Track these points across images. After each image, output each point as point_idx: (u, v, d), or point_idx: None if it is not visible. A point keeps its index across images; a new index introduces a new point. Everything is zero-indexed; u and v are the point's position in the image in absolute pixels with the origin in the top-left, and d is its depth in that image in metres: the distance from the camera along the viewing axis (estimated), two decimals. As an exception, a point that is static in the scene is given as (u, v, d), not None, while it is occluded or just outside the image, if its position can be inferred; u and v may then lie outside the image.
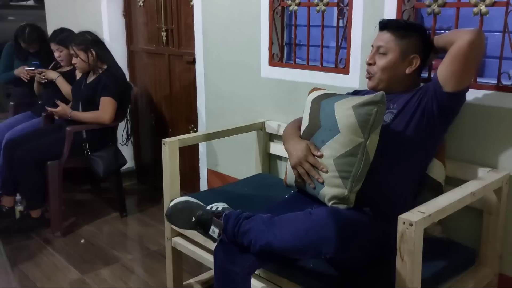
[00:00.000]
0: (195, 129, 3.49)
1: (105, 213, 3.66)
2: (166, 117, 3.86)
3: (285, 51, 2.75)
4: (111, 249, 3.12)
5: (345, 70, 2.40)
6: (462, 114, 1.92)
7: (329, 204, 1.75)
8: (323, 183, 1.77)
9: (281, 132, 2.65)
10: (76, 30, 3.55)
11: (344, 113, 1.73)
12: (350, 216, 1.66)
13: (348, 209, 1.72)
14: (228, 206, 1.91)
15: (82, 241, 3.25)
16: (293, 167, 1.87)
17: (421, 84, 1.97)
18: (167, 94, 3.79)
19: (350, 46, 2.36)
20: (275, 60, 2.73)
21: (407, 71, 1.90)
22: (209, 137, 2.62)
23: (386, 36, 1.89)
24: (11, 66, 4.12)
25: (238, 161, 3.06)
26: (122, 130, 3.70)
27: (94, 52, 3.31)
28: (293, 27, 2.62)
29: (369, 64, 1.94)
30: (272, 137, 2.81)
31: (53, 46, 3.70)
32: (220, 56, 3.06)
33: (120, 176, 3.59)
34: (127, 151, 4.09)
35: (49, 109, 3.36)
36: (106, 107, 3.26)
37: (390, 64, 1.88)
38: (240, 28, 2.87)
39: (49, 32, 4.19)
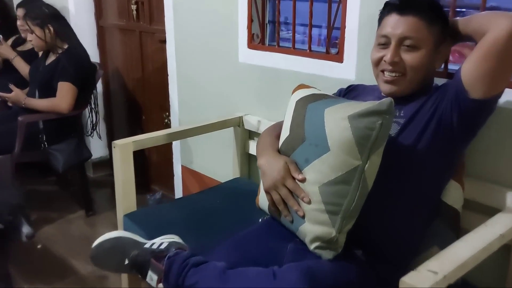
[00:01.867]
0: (170, 118, 3.03)
1: (70, 210, 3.25)
2: (140, 103, 3.41)
3: (267, 31, 2.28)
4: (70, 258, 2.72)
5: (338, 57, 1.94)
6: (488, 121, 1.46)
7: (311, 247, 1.32)
8: (303, 217, 1.33)
9: (261, 130, 2.21)
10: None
11: (337, 125, 1.29)
12: (332, 277, 1.22)
13: (334, 256, 1.28)
14: (177, 240, 1.48)
15: (39, 246, 2.83)
16: (266, 191, 1.43)
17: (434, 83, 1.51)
18: (140, 77, 3.33)
19: (344, 26, 1.89)
20: (255, 41, 2.26)
21: (437, 65, 1.47)
22: (173, 137, 2.17)
23: (413, 22, 1.38)
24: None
25: (214, 160, 2.62)
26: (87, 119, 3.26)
27: (51, 28, 2.86)
28: (276, 1, 2.14)
29: (393, 63, 1.42)
30: (251, 134, 2.36)
31: (18, 14, 3.23)
32: (192, 35, 2.59)
33: (84, 171, 3.16)
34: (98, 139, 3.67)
35: (1, 94, 2.92)
36: (64, 93, 2.82)
37: (426, 60, 1.40)
38: (214, 1, 2.39)
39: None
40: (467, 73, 1.32)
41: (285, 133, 1.48)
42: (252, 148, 2.34)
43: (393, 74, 1.43)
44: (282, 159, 1.41)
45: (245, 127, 2.33)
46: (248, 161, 2.41)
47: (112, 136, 3.79)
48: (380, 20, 1.49)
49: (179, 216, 1.94)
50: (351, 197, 1.28)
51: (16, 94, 2.87)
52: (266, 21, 2.26)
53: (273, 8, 2.24)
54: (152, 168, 3.45)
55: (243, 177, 2.37)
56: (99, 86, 3.63)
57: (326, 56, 1.99)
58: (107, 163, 3.88)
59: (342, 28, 1.90)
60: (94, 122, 3.21)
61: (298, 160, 1.39)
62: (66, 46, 2.92)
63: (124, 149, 1.92)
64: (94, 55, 3.55)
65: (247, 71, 2.31)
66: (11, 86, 2.88)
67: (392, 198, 1.38)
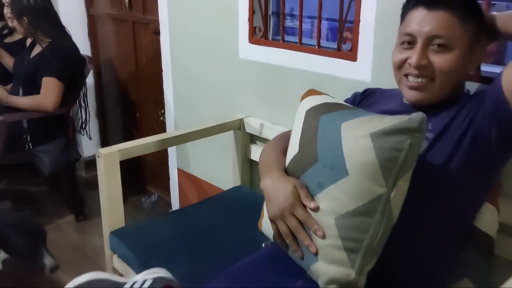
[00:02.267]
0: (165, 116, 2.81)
1: (59, 214, 3.03)
2: (133, 99, 3.18)
3: (270, 23, 2.04)
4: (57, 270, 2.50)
5: (351, 55, 1.70)
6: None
7: None
8: (316, 254, 1.11)
9: (264, 133, 1.99)
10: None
11: (357, 144, 1.06)
12: None
13: None
14: (163, 275, 1.25)
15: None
16: (272, 220, 1.21)
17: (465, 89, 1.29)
18: (133, 71, 3.09)
19: (359, 20, 1.65)
20: (257, 36, 2.02)
21: (471, 68, 1.24)
22: (165, 143, 1.94)
23: (444, 17, 1.15)
24: None
25: (213, 165, 2.40)
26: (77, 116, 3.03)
27: (26, 20, 2.63)
28: (281, -9, 1.90)
29: (420, 67, 1.18)
30: (253, 138, 2.14)
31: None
32: (189, 28, 2.35)
33: (73, 173, 2.94)
34: (93, 136, 3.45)
35: None
36: (49, 90, 2.59)
37: (458, 63, 1.17)
38: (212, -10, 2.16)
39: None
40: (510, 81, 1.09)
41: (293, 149, 1.25)
42: (254, 154, 2.11)
43: (420, 80, 1.19)
44: (291, 182, 1.17)
45: (246, 131, 2.10)
46: (250, 167, 2.19)
47: (105, 133, 3.58)
48: (404, 15, 1.25)
49: (171, 234, 1.73)
50: (374, 232, 1.05)
51: None
52: (270, 12, 2.02)
53: (277, -3, 2.00)
54: (147, 168, 3.23)
55: (245, 185, 2.15)
56: (90, 80, 3.41)
57: (337, 53, 1.75)
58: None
59: (356, 21, 1.67)
60: (83, 120, 2.98)
61: (309, 184, 1.15)
62: (49, 40, 2.69)
63: (109, 159, 1.70)
64: (84, 46, 3.32)
65: (249, 68, 2.08)
66: None
67: (419, 227, 1.16)
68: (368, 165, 1.04)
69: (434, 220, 1.17)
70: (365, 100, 1.43)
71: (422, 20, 1.17)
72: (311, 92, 1.36)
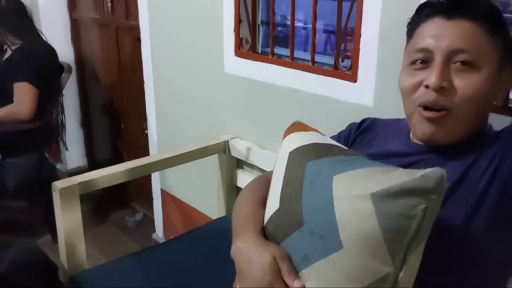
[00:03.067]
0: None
1: (36, 233, 2.79)
2: (118, 109, 2.94)
3: (259, 34, 1.79)
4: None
5: (350, 75, 1.45)
6: None
7: None
8: None
9: (251, 159, 1.75)
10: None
11: (353, 207, 0.80)
12: None
13: None
14: None
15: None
16: None
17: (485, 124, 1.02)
18: (117, 79, 2.86)
19: (360, 34, 1.39)
20: (244, 48, 1.77)
21: (497, 99, 0.98)
22: (136, 172, 1.69)
23: (469, 28, 0.91)
24: None
25: (197, 189, 2.16)
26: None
27: None
28: (271, -2, 1.65)
29: (441, 90, 0.91)
30: (240, 162, 1.89)
31: None
32: (171, 36, 2.10)
33: (47, 193, 2.69)
34: (78, 147, 3.22)
35: None
36: (22, 96, 2.37)
37: (487, 87, 0.91)
38: (195, -4, 1.91)
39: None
40: None
41: (273, 203, 0.98)
42: (241, 180, 1.87)
43: (439, 109, 0.92)
44: (269, 251, 0.90)
45: (232, 154, 1.86)
46: (236, 194, 1.94)
47: (90, 144, 3.34)
48: (412, 30, 0.99)
49: (138, 280, 1.49)
50: None
51: None
52: (259, 21, 1.77)
53: (267, 5, 1.75)
54: (133, 183, 2.98)
55: (229, 216, 1.90)
56: (74, 87, 3.18)
57: (335, 72, 1.50)
58: (85, 174, 3.44)
59: (356, 35, 1.41)
60: (60, 129, 2.74)
61: (293, 254, 0.88)
62: (19, 43, 2.46)
63: (67, 194, 1.46)
64: (68, 52, 3.08)
65: (235, 84, 1.83)
66: None
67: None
68: (369, 237, 0.79)
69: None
70: (363, 135, 1.16)
71: (440, 32, 0.92)
72: (296, 127, 1.09)
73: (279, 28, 1.77)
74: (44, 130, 2.63)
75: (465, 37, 0.90)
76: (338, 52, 1.49)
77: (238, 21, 1.74)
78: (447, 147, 0.96)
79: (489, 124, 1.03)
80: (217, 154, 1.88)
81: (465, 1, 0.92)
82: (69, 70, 2.72)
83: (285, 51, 1.73)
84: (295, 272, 0.87)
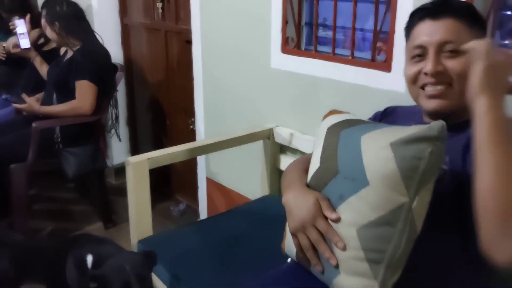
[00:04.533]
0: (196, 124, 2.81)
1: (88, 221, 3.04)
2: (164, 107, 3.19)
3: (303, 33, 2.02)
4: None
5: (385, 66, 1.67)
6: None
7: None
8: (337, 266, 1.08)
9: (294, 144, 1.97)
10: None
11: (377, 154, 1.04)
12: None
13: None
14: None
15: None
16: (293, 234, 1.18)
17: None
18: (164, 79, 3.11)
19: (394, 30, 1.62)
20: (290, 46, 2.00)
21: None
22: (194, 152, 1.93)
23: (452, 24, 1.16)
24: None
25: (242, 175, 2.38)
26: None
27: (58, 25, 2.70)
28: (314, 1, 1.88)
29: (436, 74, 1.16)
30: (283, 148, 2.11)
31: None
32: (221, 37, 2.35)
33: (103, 181, 2.96)
34: (123, 144, 3.47)
35: (15, 105, 2.78)
36: (83, 92, 2.61)
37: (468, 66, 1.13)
38: (245, 0, 2.14)
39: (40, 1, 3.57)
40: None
41: (314, 165, 1.22)
42: (284, 164, 2.09)
43: (438, 87, 1.17)
44: (312, 195, 1.15)
45: (276, 140, 2.08)
46: (279, 177, 2.16)
47: (135, 141, 3.60)
48: (409, 30, 1.24)
49: (198, 245, 1.71)
50: (396, 242, 1.02)
51: (29, 105, 2.67)
52: (303, 23, 2.00)
53: (310, 8, 1.98)
54: (175, 177, 3.24)
55: (273, 195, 2.12)
56: (122, 87, 3.44)
57: (372, 64, 1.72)
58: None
59: (390, 32, 1.63)
60: (113, 121, 3.00)
61: (331, 196, 1.13)
62: (79, 44, 2.75)
63: (138, 168, 1.70)
64: (118, 54, 3.36)
65: (280, 78, 2.06)
66: (24, 96, 2.70)
67: (444, 244, 1.11)
68: (389, 175, 1.02)
69: (463, 232, 1.11)
70: (386, 119, 1.41)
71: (431, 31, 1.17)
72: (333, 112, 1.34)
73: (321, 28, 1.99)
74: (100, 124, 2.90)
75: (450, 32, 1.15)
76: (375, 46, 1.71)
77: (285, 22, 1.97)
78: (451, 125, 1.16)
79: None
80: (262, 141, 2.11)
81: (447, 4, 1.18)
82: (122, 69, 2.98)
83: (325, 49, 1.95)
84: (333, 208, 1.10)
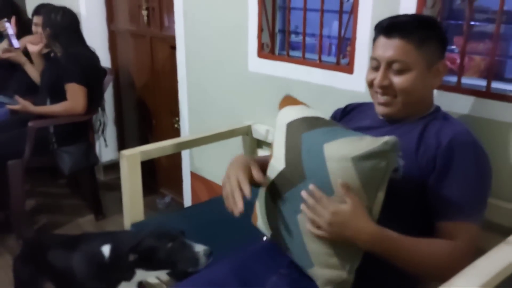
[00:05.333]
0: (180, 123, 3.03)
1: (80, 213, 3.25)
2: (150, 108, 3.41)
3: (277, 40, 2.26)
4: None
5: (348, 69, 1.92)
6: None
7: None
8: (284, 240, 1.32)
9: (270, 139, 2.20)
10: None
11: (340, 166, 1.20)
12: None
13: None
14: None
15: (48, 251, 2.84)
16: (223, 185, 1.42)
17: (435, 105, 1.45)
18: (150, 82, 3.33)
19: (355, 38, 1.87)
20: (265, 51, 2.24)
21: (434, 84, 1.39)
22: (181, 146, 2.16)
23: (400, 45, 1.31)
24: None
25: (223, 168, 2.57)
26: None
27: (48, 31, 2.90)
28: (286, 11, 2.12)
29: (382, 87, 1.37)
30: (260, 143, 2.35)
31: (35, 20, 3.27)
32: (203, 43, 2.58)
33: (94, 175, 3.16)
34: (111, 143, 3.68)
35: (9, 107, 2.95)
36: (74, 94, 2.81)
37: (417, 82, 1.33)
38: (225, 9, 2.39)
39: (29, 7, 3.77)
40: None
41: (279, 163, 1.36)
42: (261, 157, 2.32)
43: (385, 97, 1.38)
44: (246, 159, 1.41)
45: (254, 136, 2.31)
46: (257, 170, 2.40)
47: (122, 140, 3.81)
48: (374, 41, 1.43)
49: (185, 227, 1.93)
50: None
51: (24, 106, 2.84)
52: (276, 30, 2.24)
53: (283, 17, 2.22)
54: (161, 171, 3.46)
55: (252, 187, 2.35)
56: (110, 89, 3.65)
57: (336, 67, 1.97)
58: (117, 167, 3.86)
59: (352, 39, 1.88)
60: (103, 125, 3.20)
61: (298, 201, 1.27)
62: (64, 49, 2.91)
63: (131, 160, 1.92)
64: (105, 59, 3.56)
65: (257, 80, 2.30)
66: (17, 98, 2.87)
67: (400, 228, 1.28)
68: (351, 185, 1.18)
69: (414, 217, 1.33)
70: (346, 117, 1.63)
71: (383, 47, 1.34)
72: (288, 100, 1.48)
73: (293, 35, 2.24)
74: (91, 123, 3.11)
75: (398, 52, 1.31)
76: (339, 51, 1.96)
77: (260, 29, 2.21)
78: (400, 120, 1.40)
79: (437, 106, 1.45)
80: (241, 136, 2.34)
81: (396, 25, 1.33)
82: (111, 72, 3.19)
83: (297, 54, 2.20)
84: (261, 174, 1.35)
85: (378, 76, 1.36)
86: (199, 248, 1.54)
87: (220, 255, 1.66)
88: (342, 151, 1.20)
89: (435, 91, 1.48)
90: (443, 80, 1.49)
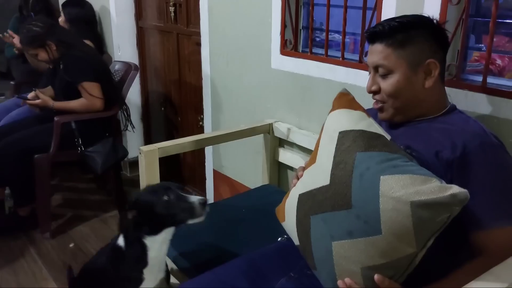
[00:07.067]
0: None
1: (104, 209, 3.28)
2: (176, 104, 3.42)
3: (300, 37, 2.22)
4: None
5: (371, 67, 1.86)
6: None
7: None
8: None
9: (291, 137, 2.17)
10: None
11: (395, 208, 1.06)
12: None
13: None
14: None
15: (71, 245, 2.87)
16: None
17: (449, 105, 1.37)
18: (176, 79, 3.33)
19: (379, 35, 1.80)
20: (288, 48, 2.20)
21: (426, 84, 1.31)
22: (199, 143, 2.14)
23: (380, 49, 1.31)
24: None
25: (245, 166, 2.59)
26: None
27: (53, 44, 2.82)
28: (310, 7, 2.08)
29: (374, 92, 1.37)
30: (281, 142, 2.31)
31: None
32: (227, 40, 2.56)
33: (118, 169, 3.19)
34: (138, 139, 3.70)
35: (28, 102, 2.97)
36: (90, 92, 2.81)
37: (401, 85, 1.31)
38: (248, 5, 2.36)
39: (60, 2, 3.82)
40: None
41: (322, 176, 1.23)
42: (282, 156, 2.29)
43: (379, 103, 1.38)
44: None
45: (275, 135, 2.28)
46: (278, 168, 2.36)
47: (149, 136, 3.83)
48: None
49: (204, 225, 1.91)
50: (395, 278, 1.13)
51: (44, 101, 2.87)
52: (300, 27, 2.20)
53: (307, 14, 2.18)
54: (186, 169, 3.46)
55: (272, 185, 2.33)
56: (137, 85, 3.67)
57: (359, 65, 1.91)
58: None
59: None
60: (126, 117, 3.21)
61: (337, 226, 1.17)
62: (65, 51, 2.87)
63: (149, 155, 1.91)
64: (133, 55, 3.59)
65: (279, 77, 2.26)
66: (37, 92, 2.90)
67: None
68: (403, 232, 1.06)
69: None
70: None
71: (369, 54, 1.36)
72: (344, 98, 1.36)
73: (317, 32, 2.19)
74: (115, 118, 3.13)
75: (379, 56, 1.31)
76: (362, 48, 1.91)
77: (284, 26, 2.17)
78: (403, 124, 1.37)
79: (451, 105, 1.38)
80: (262, 135, 2.31)
81: (378, 30, 1.31)
82: (136, 68, 3.20)
83: (320, 51, 2.15)
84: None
85: (368, 82, 1.38)
86: (194, 198, 1.54)
87: (237, 254, 1.65)
88: (401, 191, 1.06)
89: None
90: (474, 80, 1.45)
